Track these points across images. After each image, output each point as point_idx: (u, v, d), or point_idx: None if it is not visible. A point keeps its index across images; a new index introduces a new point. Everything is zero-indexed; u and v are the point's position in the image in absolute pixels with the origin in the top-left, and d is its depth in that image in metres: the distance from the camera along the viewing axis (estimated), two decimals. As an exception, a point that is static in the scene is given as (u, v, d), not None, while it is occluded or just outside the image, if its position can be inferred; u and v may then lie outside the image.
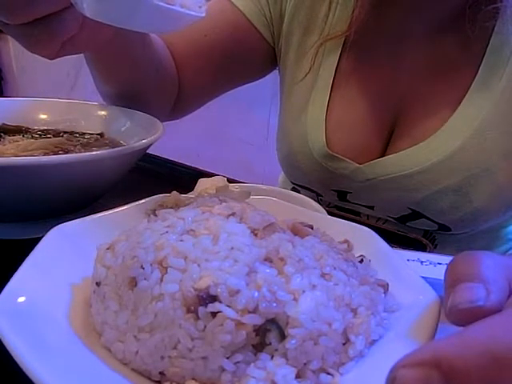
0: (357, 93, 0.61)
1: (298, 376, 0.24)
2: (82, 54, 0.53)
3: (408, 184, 0.59)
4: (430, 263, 0.38)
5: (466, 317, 0.21)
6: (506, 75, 0.54)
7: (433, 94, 0.58)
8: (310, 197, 0.68)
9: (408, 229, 0.63)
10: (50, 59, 0.43)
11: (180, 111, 0.71)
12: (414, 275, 0.31)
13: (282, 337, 0.24)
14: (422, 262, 0.38)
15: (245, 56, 0.68)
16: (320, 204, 0.68)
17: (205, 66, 0.67)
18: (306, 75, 0.63)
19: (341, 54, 0.62)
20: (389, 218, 0.64)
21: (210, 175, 0.42)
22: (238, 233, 0.27)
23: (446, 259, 0.38)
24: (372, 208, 0.64)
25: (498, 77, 0.54)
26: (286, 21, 0.65)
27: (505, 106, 0.54)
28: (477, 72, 0.55)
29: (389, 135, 0.61)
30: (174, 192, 0.37)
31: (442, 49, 0.57)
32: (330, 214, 0.44)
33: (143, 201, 0.37)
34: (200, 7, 0.36)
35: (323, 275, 0.26)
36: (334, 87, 0.62)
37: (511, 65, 0.54)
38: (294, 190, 0.74)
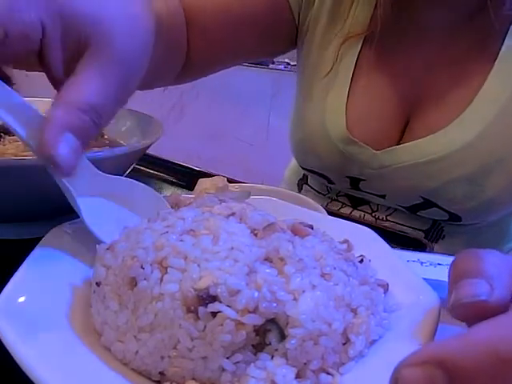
0: (375, 83, 0.62)
1: (298, 376, 0.24)
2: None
3: (422, 173, 0.60)
4: (431, 264, 0.38)
5: (470, 311, 0.21)
6: None
7: (449, 86, 0.59)
8: (321, 183, 0.70)
9: (418, 218, 0.64)
10: None
11: (187, 75, 0.67)
12: (414, 275, 0.32)
13: (282, 337, 0.24)
14: (422, 263, 0.38)
15: (268, 24, 0.66)
16: (329, 192, 0.70)
17: (219, 19, 0.64)
18: (329, 71, 0.63)
19: (361, 47, 0.62)
20: (399, 207, 0.65)
21: (210, 175, 0.42)
22: (238, 233, 0.27)
23: (447, 259, 0.38)
24: (383, 197, 0.65)
25: None
26: (315, 5, 0.65)
27: None
28: (493, 65, 0.56)
29: (405, 124, 0.62)
30: (174, 192, 0.37)
31: (459, 43, 0.58)
32: (329, 214, 0.44)
33: (143, 201, 0.37)
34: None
35: (323, 275, 0.26)
36: (353, 77, 0.63)
37: None
38: (304, 177, 0.74)
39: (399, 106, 0.62)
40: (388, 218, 0.66)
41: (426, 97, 0.60)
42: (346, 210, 0.68)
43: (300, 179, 0.76)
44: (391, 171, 0.62)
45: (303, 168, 0.71)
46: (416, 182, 0.61)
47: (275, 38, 0.68)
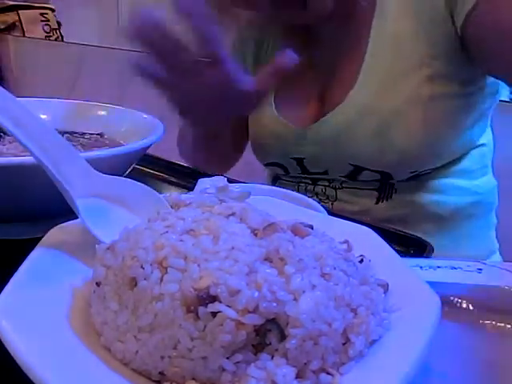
0: (294, 75, 0.71)
1: (298, 376, 0.24)
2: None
3: (339, 141, 0.69)
4: (430, 267, 0.38)
5: None
6: (390, 31, 0.65)
7: (343, 64, 0.70)
8: (278, 173, 0.80)
9: (362, 183, 0.72)
10: None
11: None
12: (414, 275, 0.32)
13: (282, 337, 0.24)
14: (421, 267, 0.38)
15: None
16: (295, 178, 0.78)
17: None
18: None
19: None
20: (343, 179, 0.73)
21: (210, 175, 0.42)
22: (238, 233, 0.27)
23: (446, 263, 0.38)
24: (326, 173, 0.74)
25: (386, 36, 0.65)
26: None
27: (398, 56, 0.65)
28: (368, 40, 0.67)
29: (320, 106, 0.73)
30: (174, 192, 0.37)
31: (341, 31, 0.70)
32: (329, 213, 0.44)
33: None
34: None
35: (323, 275, 0.26)
36: None
37: (392, 22, 0.66)
38: (273, 180, 0.85)
39: (313, 89, 0.73)
40: (343, 185, 0.74)
41: (329, 77, 0.71)
42: (310, 188, 0.77)
43: (274, 176, 0.84)
44: (318, 146, 0.71)
45: (265, 165, 0.81)
46: (339, 152, 0.70)
47: None
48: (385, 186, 0.72)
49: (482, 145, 0.75)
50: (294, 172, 0.77)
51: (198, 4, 0.52)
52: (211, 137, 0.74)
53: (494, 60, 0.62)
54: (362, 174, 0.71)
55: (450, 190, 0.73)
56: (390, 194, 0.72)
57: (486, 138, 0.76)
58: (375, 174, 0.70)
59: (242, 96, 0.58)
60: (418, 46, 0.65)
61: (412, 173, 0.70)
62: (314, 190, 0.77)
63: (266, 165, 0.81)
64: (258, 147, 0.80)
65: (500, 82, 0.69)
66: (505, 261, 0.78)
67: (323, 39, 0.73)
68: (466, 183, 0.74)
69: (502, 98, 1.22)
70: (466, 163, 0.73)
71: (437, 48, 0.64)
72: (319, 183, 0.76)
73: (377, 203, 0.73)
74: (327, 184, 0.75)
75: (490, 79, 0.68)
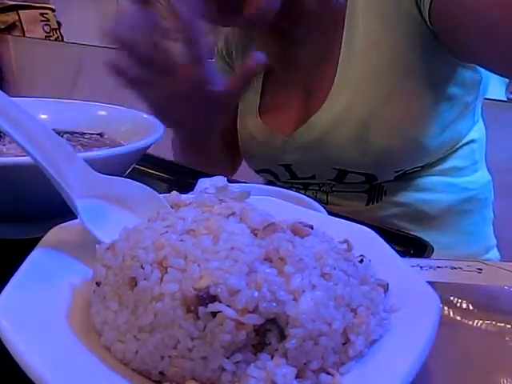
0: (278, 79, 0.75)
1: (298, 376, 0.24)
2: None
3: (320, 146, 0.70)
4: (430, 267, 0.38)
5: None
6: (360, 33, 0.66)
7: (322, 73, 0.70)
8: (269, 179, 0.82)
9: (350, 186, 0.72)
10: None
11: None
12: (414, 275, 0.32)
13: (282, 337, 0.24)
14: (421, 267, 0.38)
15: None
16: (286, 183, 0.79)
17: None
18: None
19: None
20: (332, 182, 0.73)
21: (210, 175, 0.41)
22: (238, 233, 0.27)
23: (446, 263, 0.38)
24: (314, 177, 0.74)
25: (357, 37, 0.65)
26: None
27: (370, 56, 0.66)
28: (341, 45, 0.67)
29: (303, 112, 0.73)
30: (174, 192, 0.37)
31: (318, 39, 0.71)
32: (329, 213, 0.44)
33: (143, 201, 0.37)
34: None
35: (323, 275, 0.26)
36: (264, 78, 0.76)
37: (362, 25, 0.66)
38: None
39: (296, 95, 0.73)
40: (333, 189, 0.75)
41: (309, 82, 0.72)
42: (302, 193, 0.77)
43: (266, 182, 0.85)
44: (303, 152, 0.72)
45: (257, 172, 0.82)
46: (322, 157, 0.70)
47: None
48: (374, 187, 0.72)
49: (472, 141, 0.74)
50: (283, 178, 0.78)
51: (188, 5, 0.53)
52: (197, 140, 0.74)
53: (467, 46, 0.61)
54: (347, 176, 0.71)
55: (440, 188, 0.73)
56: (380, 196, 0.72)
57: (476, 133, 0.75)
58: (359, 176, 0.70)
59: (215, 96, 0.58)
60: (389, 43, 0.65)
61: (397, 172, 0.70)
62: (305, 194, 0.76)
63: (258, 172, 0.82)
64: (248, 155, 0.82)
65: (482, 74, 0.69)
66: (502, 257, 0.78)
67: (301, 45, 0.73)
68: (456, 180, 0.74)
69: (498, 98, 1.22)
70: (454, 160, 0.73)
71: (409, 43, 0.64)
72: (310, 188, 0.76)
73: (367, 205, 0.73)
74: (317, 188, 0.76)
75: (469, 72, 0.67)
